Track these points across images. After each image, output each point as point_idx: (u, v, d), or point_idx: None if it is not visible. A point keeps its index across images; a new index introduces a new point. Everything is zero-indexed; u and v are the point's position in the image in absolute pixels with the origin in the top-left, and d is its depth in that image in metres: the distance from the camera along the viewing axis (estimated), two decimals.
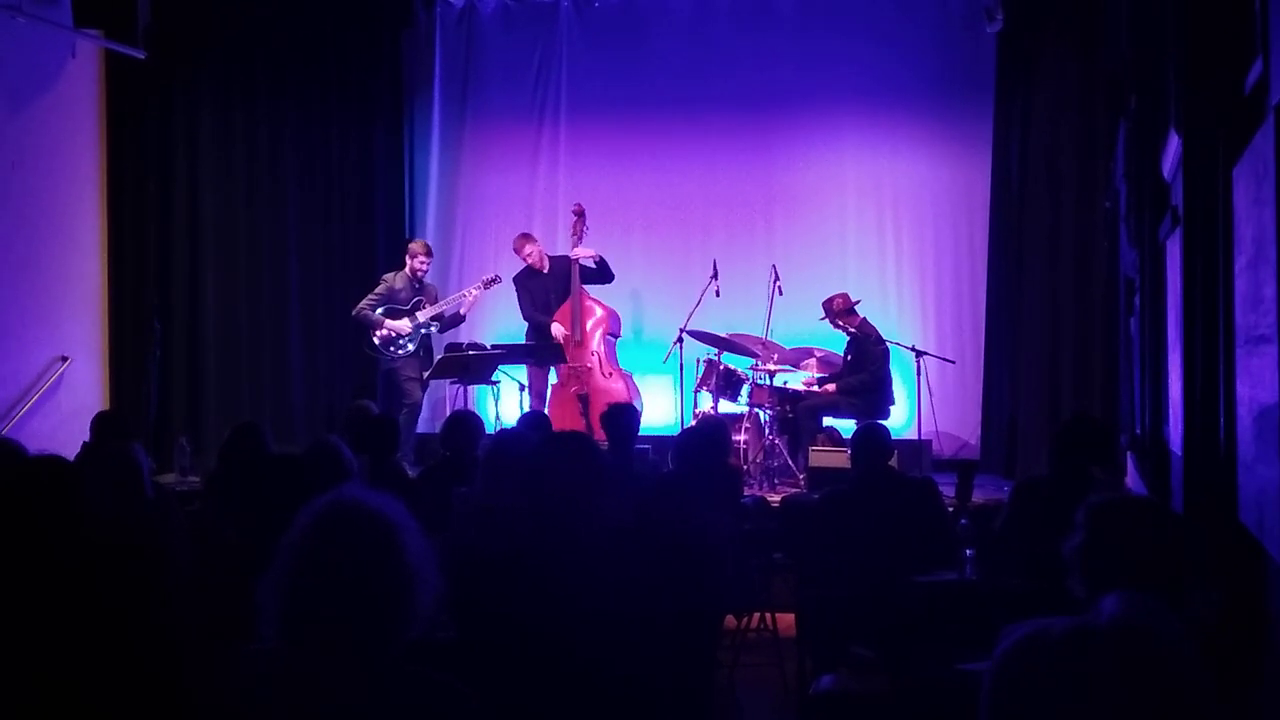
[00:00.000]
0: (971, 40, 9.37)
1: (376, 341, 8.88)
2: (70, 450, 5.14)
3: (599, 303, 9.25)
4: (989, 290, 9.31)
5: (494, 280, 9.08)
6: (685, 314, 8.82)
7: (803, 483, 7.95)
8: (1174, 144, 4.69)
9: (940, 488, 5.52)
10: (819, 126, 9.80)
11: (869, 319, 8.63)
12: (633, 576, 3.04)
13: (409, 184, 10.26)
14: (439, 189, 10.34)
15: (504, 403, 8.96)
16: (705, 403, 8.66)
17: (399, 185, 10.18)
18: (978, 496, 6.78)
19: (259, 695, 2.05)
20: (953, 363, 9.18)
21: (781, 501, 6.93)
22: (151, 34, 9.22)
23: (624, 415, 6.11)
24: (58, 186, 8.86)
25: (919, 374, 8.65)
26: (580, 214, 9.18)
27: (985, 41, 9.24)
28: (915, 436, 8.59)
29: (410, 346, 8.91)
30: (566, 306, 9.12)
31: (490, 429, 7.52)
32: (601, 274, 9.18)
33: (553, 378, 9.19)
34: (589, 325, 9.15)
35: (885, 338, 8.60)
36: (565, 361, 8.99)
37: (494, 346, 8.97)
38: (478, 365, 8.64)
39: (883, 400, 8.43)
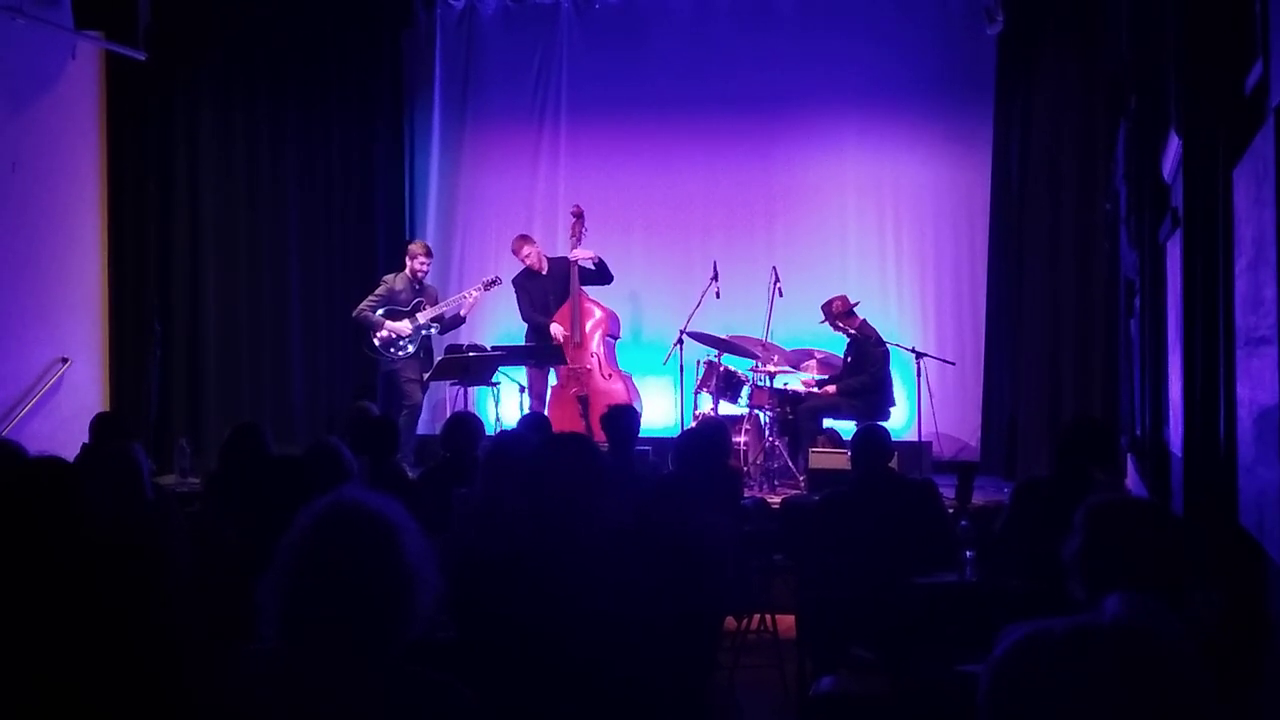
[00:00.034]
0: (972, 41, 9.36)
1: (377, 343, 8.88)
2: (70, 451, 5.14)
3: (598, 304, 9.25)
4: (989, 291, 9.31)
5: (494, 282, 9.08)
6: (685, 315, 8.82)
7: (803, 484, 7.95)
8: (1174, 145, 4.69)
9: (940, 489, 5.52)
10: (819, 127, 9.80)
11: (869, 320, 8.63)
12: (633, 578, 3.04)
13: (409, 185, 10.27)
14: (439, 190, 10.34)
15: (504, 404, 8.96)
16: (705, 404, 8.66)
17: (399, 186, 10.18)
18: (978, 498, 6.78)
19: (259, 695, 2.05)
20: (953, 364, 9.18)
21: (781, 503, 6.93)
22: (152, 35, 9.22)
23: (624, 417, 6.11)
24: (58, 187, 8.86)
25: (919, 375, 8.65)
26: (579, 215, 9.18)
27: (985, 42, 9.23)
28: (915, 438, 8.59)
29: (410, 348, 8.91)
30: (566, 308, 9.12)
31: (490, 430, 7.52)
32: (600, 275, 9.18)
33: (552, 379, 9.19)
34: (588, 327, 9.15)
35: (885, 339, 8.60)
36: (565, 363, 8.99)
37: (494, 348, 8.97)
38: (478, 367, 8.64)
39: (883, 402, 8.43)
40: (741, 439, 8.22)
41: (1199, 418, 4.19)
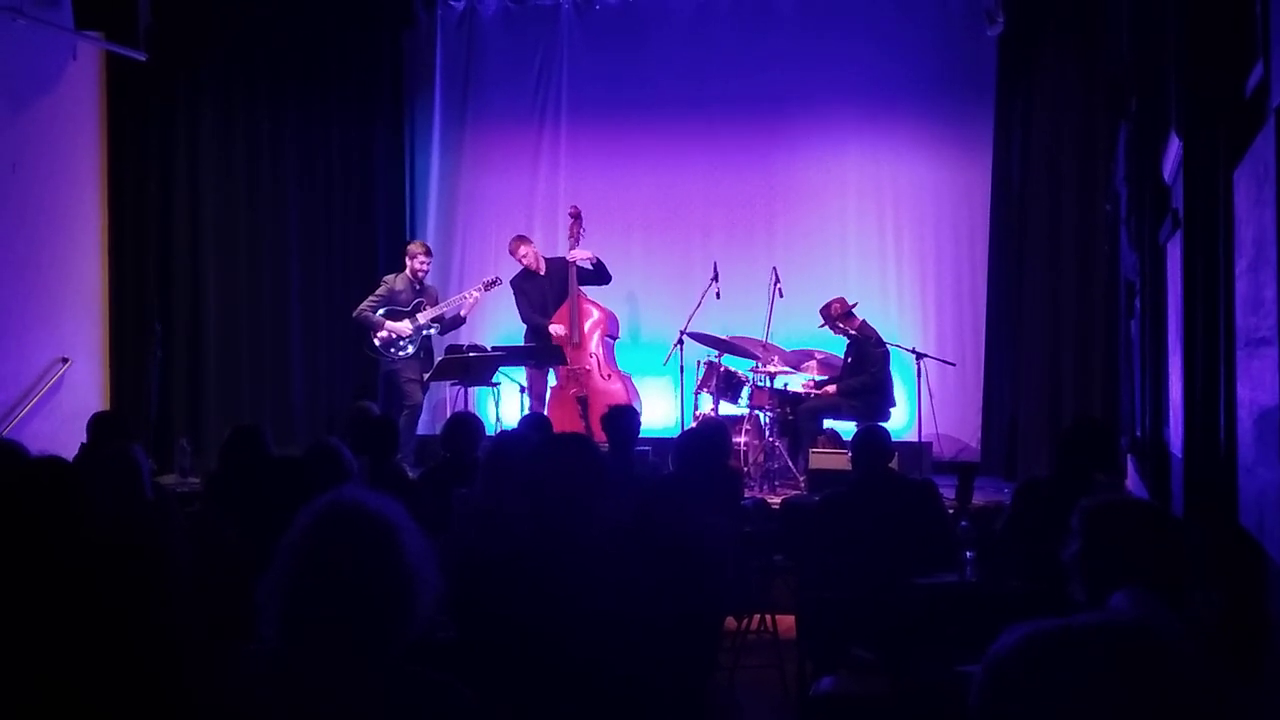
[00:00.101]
0: (972, 41, 9.36)
1: (377, 343, 8.88)
2: (71, 452, 5.15)
3: (597, 305, 9.26)
4: (989, 292, 9.30)
5: (494, 282, 9.09)
6: (685, 316, 8.82)
7: (803, 485, 7.95)
8: (1174, 146, 4.69)
9: (940, 490, 5.53)
10: (820, 128, 9.80)
11: (869, 321, 8.63)
12: (633, 578, 3.03)
13: (409, 185, 10.28)
14: (439, 190, 10.34)
15: (504, 404, 8.96)
16: (705, 405, 8.66)
17: (399, 186, 10.19)
18: (978, 499, 6.78)
19: (259, 695, 2.05)
20: (953, 365, 9.18)
21: (782, 503, 6.93)
22: (152, 35, 9.22)
23: (624, 417, 6.12)
24: (58, 188, 8.87)
25: (919, 376, 8.66)
26: (576, 216, 9.18)
27: (986, 43, 9.23)
28: (916, 439, 8.59)
29: (410, 348, 8.92)
30: (564, 308, 9.12)
31: (490, 431, 7.52)
32: (599, 275, 9.18)
33: (551, 380, 9.19)
34: (587, 327, 9.15)
35: (885, 340, 8.60)
36: (565, 363, 9.00)
37: (494, 348, 8.97)
38: (478, 367, 8.64)
39: (883, 402, 8.43)
40: (742, 439, 8.22)
41: (1199, 418, 4.19)
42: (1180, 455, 4.49)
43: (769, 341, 8.67)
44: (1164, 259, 5.34)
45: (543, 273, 9.17)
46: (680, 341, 8.75)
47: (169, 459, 8.80)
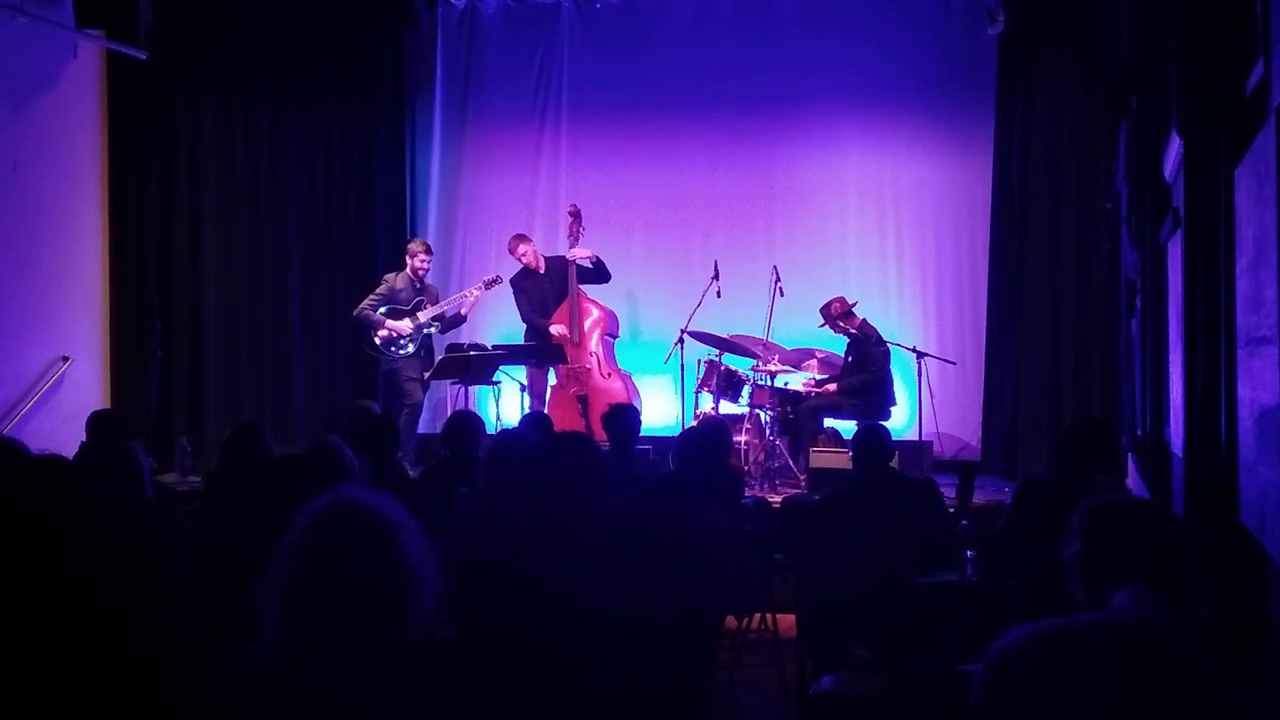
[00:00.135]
0: (972, 41, 9.36)
1: (377, 341, 8.89)
2: (71, 450, 5.14)
3: (596, 303, 9.26)
4: (990, 291, 9.30)
5: (495, 281, 9.09)
6: (686, 315, 8.82)
7: (803, 484, 7.95)
8: (1175, 145, 4.69)
9: (941, 489, 5.52)
10: (820, 127, 9.80)
11: (869, 320, 8.63)
12: (633, 577, 3.03)
13: (410, 184, 10.27)
14: (440, 189, 10.34)
15: (505, 403, 8.96)
16: (706, 403, 8.67)
17: (400, 185, 10.18)
18: (978, 498, 6.78)
19: (259, 695, 2.05)
20: (954, 364, 9.18)
21: (782, 502, 6.92)
22: (153, 34, 9.22)
23: (625, 416, 6.12)
24: (59, 186, 8.87)
25: (920, 375, 8.65)
26: (575, 215, 9.18)
27: (986, 42, 9.23)
28: (916, 438, 8.59)
29: (411, 347, 8.92)
30: (564, 307, 9.12)
31: (491, 429, 7.52)
32: (598, 274, 9.18)
33: (551, 378, 9.19)
34: (587, 326, 9.15)
35: (886, 339, 8.60)
36: (566, 362, 9.00)
37: (495, 347, 8.97)
38: (479, 366, 8.64)
39: (884, 401, 8.43)
40: (742, 438, 8.22)
41: (1200, 418, 4.19)
42: (1181, 454, 4.48)
43: (769, 340, 8.67)
44: (1165, 258, 5.34)
45: (542, 271, 9.17)
46: (681, 340, 8.75)
47: (169, 458, 8.80)
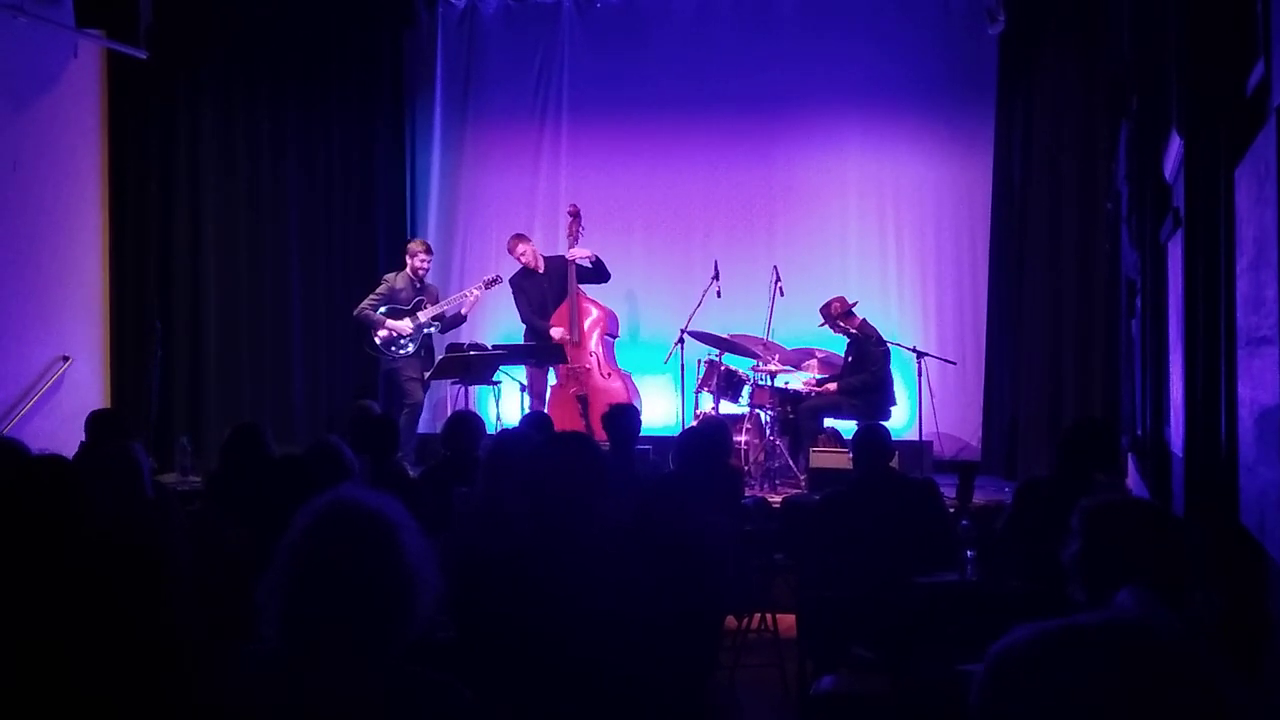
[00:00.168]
0: (973, 40, 9.36)
1: (378, 341, 8.89)
2: (71, 450, 5.15)
3: (596, 303, 9.26)
4: (990, 291, 9.30)
5: (495, 280, 9.09)
6: (686, 315, 8.82)
7: (803, 484, 7.95)
8: (1175, 145, 4.69)
9: (941, 489, 5.52)
10: (820, 127, 9.80)
11: (869, 320, 8.63)
12: (633, 577, 3.03)
13: (410, 184, 10.28)
14: (440, 189, 10.34)
15: (505, 403, 8.96)
16: (706, 403, 8.67)
17: (400, 185, 10.19)
18: (979, 498, 6.78)
19: (259, 695, 2.05)
20: (954, 364, 9.18)
21: (782, 502, 6.93)
22: (153, 34, 9.22)
23: (625, 416, 6.12)
24: (59, 186, 8.87)
25: (920, 375, 8.65)
26: (575, 214, 9.19)
27: (986, 42, 9.23)
28: (916, 437, 8.59)
29: (411, 347, 8.92)
30: (564, 307, 9.12)
31: (491, 429, 7.52)
32: (598, 274, 9.19)
33: (551, 378, 9.20)
34: (586, 325, 9.15)
35: (886, 338, 8.60)
36: (566, 362, 9.00)
37: (495, 347, 8.97)
38: (479, 365, 8.64)
39: (884, 401, 8.43)
40: (742, 438, 8.22)
41: (1200, 418, 4.19)
42: (1181, 454, 4.48)
43: (770, 340, 8.67)
44: (1165, 258, 5.34)
45: (541, 271, 9.18)
46: (681, 340, 8.76)
47: (169, 457, 8.80)
